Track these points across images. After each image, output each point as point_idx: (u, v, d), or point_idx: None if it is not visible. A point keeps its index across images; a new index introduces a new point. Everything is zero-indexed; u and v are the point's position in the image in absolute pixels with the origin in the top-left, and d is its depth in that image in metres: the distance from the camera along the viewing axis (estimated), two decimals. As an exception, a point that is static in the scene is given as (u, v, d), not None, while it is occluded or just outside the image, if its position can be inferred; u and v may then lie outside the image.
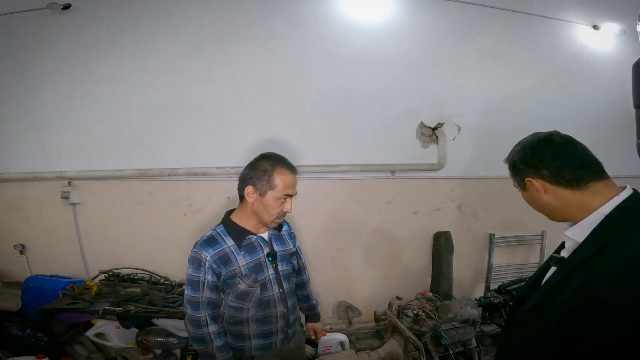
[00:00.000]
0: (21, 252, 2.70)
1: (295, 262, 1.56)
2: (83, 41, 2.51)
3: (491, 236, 2.97)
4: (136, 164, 2.54)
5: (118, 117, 2.54)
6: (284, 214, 1.40)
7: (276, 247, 1.48)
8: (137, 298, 2.33)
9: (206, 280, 1.34)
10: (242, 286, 1.36)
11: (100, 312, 2.24)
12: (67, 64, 2.53)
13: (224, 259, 1.35)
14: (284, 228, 1.58)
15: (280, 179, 1.36)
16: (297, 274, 1.66)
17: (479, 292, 3.01)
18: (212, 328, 1.37)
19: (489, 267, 2.98)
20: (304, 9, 2.61)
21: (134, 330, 2.37)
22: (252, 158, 2.47)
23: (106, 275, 2.60)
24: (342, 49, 2.65)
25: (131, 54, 2.51)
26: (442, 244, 2.81)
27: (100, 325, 2.40)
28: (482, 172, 2.80)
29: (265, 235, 1.45)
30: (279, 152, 2.55)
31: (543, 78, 3.03)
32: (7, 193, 2.65)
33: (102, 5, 2.50)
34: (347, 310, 2.84)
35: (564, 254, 0.97)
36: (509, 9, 2.94)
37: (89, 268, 2.72)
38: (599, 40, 3.15)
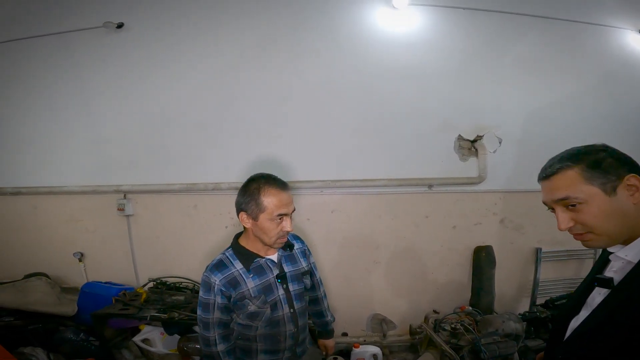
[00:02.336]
0: (80, 260, 2.91)
1: (307, 280, 1.54)
2: (134, 59, 2.69)
3: (537, 250, 2.83)
4: (184, 179, 2.69)
5: (166, 132, 2.71)
6: (286, 233, 1.37)
7: (286, 268, 1.47)
8: (181, 306, 2.44)
9: (216, 302, 1.37)
10: (251, 307, 1.37)
11: (148, 319, 2.36)
12: (120, 81, 2.72)
13: (233, 282, 1.37)
14: (297, 246, 1.55)
15: (268, 200, 1.32)
16: (311, 290, 1.64)
17: (524, 307, 2.87)
18: (221, 347, 1.41)
19: (535, 282, 2.84)
20: (337, 23, 2.67)
21: (177, 337, 2.47)
22: (292, 172, 2.58)
23: (154, 283, 2.75)
24: (375, 62, 2.67)
25: (177, 71, 2.67)
26: (483, 258, 2.72)
27: (147, 331, 2.52)
28: (526, 185, 2.68)
29: (274, 256, 1.45)
30: (315, 166, 2.63)
31: (588, 86, 2.86)
32: (68, 205, 2.88)
33: (151, 25, 2.68)
34: (382, 323, 2.80)
35: (612, 274, 0.91)
36: (545, 16, 2.82)
37: (139, 276, 2.90)
38: None
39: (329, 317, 1.75)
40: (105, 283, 2.80)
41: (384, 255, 2.79)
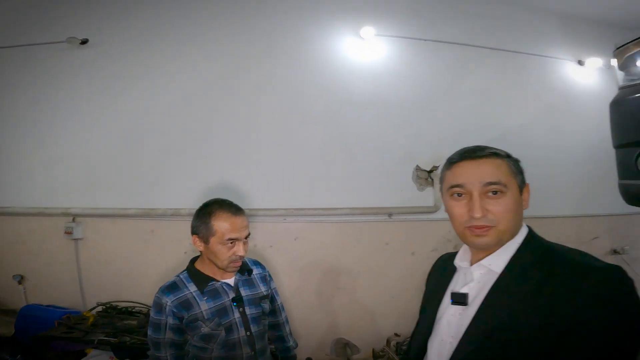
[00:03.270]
0: (19, 282, 2.73)
1: (266, 305, 1.56)
2: (96, 77, 2.60)
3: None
4: (141, 203, 2.59)
5: (125, 155, 2.61)
6: (238, 257, 1.39)
7: (243, 292, 1.48)
8: (134, 330, 2.35)
9: (167, 323, 1.37)
10: (205, 329, 1.38)
11: (95, 342, 2.25)
12: (79, 99, 2.62)
13: (185, 304, 1.38)
14: (256, 271, 1.57)
15: (218, 224, 1.35)
16: (273, 316, 1.67)
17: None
18: None
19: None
20: (306, 51, 2.72)
21: (129, 362, 2.37)
22: (255, 200, 2.57)
23: (104, 307, 2.62)
24: (341, 92, 2.74)
25: (141, 93, 2.61)
26: (438, 284, 2.86)
27: (94, 355, 2.37)
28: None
29: (230, 280, 1.46)
30: (279, 194, 2.63)
31: (533, 117, 3.11)
32: (12, 226, 2.70)
33: (117, 43, 2.60)
34: (345, 347, 2.85)
35: (471, 286, 0.90)
36: (498, 48, 3.06)
37: (86, 300, 2.74)
38: (584, 75, 3.25)
39: (291, 343, 1.76)
40: (47, 306, 2.65)
41: (347, 281, 2.84)
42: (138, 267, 2.68)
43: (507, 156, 0.92)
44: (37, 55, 2.60)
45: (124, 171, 2.62)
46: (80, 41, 2.54)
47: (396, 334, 2.77)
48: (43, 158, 2.64)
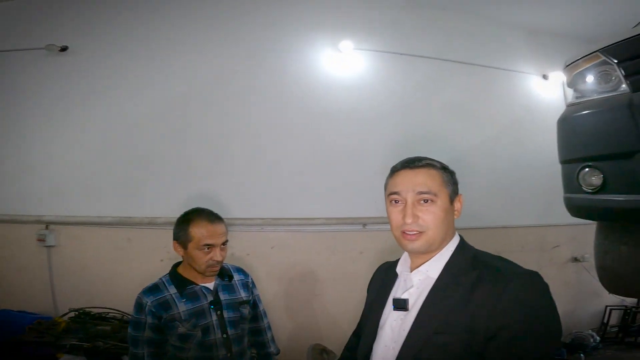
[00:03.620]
0: (-11, 288, 2.66)
1: (246, 310, 1.61)
2: (74, 86, 2.57)
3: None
4: (117, 211, 2.58)
5: (102, 164, 2.59)
6: (216, 263, 1.46)
7: (223, 296, 1.53)
8: (108, 335, 2.33)
9: (147, 322, 1.44)
10: (181, 329, 1.44)
11: (67, 347, 2.21)
12: (56, 106, 2.57)
13: (165, 305, 1.44)
14: (237, 277, 1.63)
15: (195, 230, 1.43)
16: (254, 322, 1.72)
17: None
18: None
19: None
20: (286, 63, 2.77)
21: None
22: (232, 209, 2.60)
23: (76, 313, 2.60)
24: (320, 104, 2.81)
25: (119, 100, 2.59)
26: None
27: None
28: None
29: (210, 284, 1.53)
30: (256, 203, 2.67)
31: (499, 131, 3.27)
32: (-17, 232, 2.62)
33: (97, 51, 2.57)
34: (322, 353, 2.93)
35: (410, 292, 0.96)
36: (469, 63, 3.19)
37: (59, 307, 2.69)
38: (549, 89, 3.43)
39: (272, 349, 1.80)
40: (18, 312, 2.58)
41: (324, 288, 2.91)
42: (114, 274, 2.66)
43: (443, 168, 0.99)
44: (14, 62, 2.54)
45: (101, 179, 2.60)
46: (59, 48, 2.49)
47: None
48: (17, 165, 2.59)
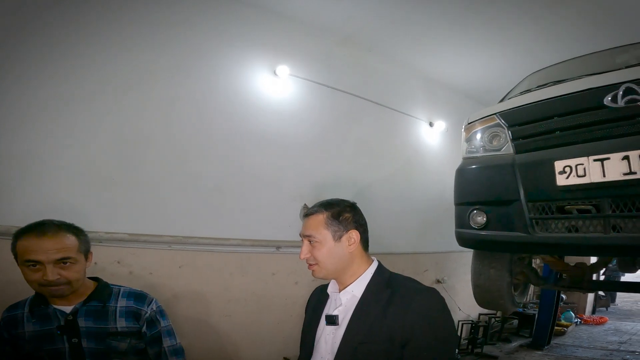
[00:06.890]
0: None
1: (122, 343, 1.37)
2: None
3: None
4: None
5: None
6: (48, 282, 1.25)
7: (84, 322, 1.34)
8: None
9: (3, 336, 1.35)
10: (27, 349, 1.33)
11: None
12: None
13: (13, 323, 1.35)
14: (122, 304, 1.41)
15: (20, 243, 1.25)
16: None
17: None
18: None
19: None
20: (218, 76, 2.71)
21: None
22: (136, 223, 2.32)
23: None
24: (244, 124, 2.80)
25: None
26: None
27: None
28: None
29: (67, 307, 1.34)
30: (166, 220, 2.45)
31: (396, 168, 3.78)
32: None
33: None
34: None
35: (340, 309, 1.14)
36: (378, 103, 3.60)
37: None
38: (433, 136, 4.11)
39: None
40: None
41: (235, 309, 2.80)
42: None
43: (328, 211, 1.18)
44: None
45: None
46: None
47: (285, 358, 2.89)
48: None
